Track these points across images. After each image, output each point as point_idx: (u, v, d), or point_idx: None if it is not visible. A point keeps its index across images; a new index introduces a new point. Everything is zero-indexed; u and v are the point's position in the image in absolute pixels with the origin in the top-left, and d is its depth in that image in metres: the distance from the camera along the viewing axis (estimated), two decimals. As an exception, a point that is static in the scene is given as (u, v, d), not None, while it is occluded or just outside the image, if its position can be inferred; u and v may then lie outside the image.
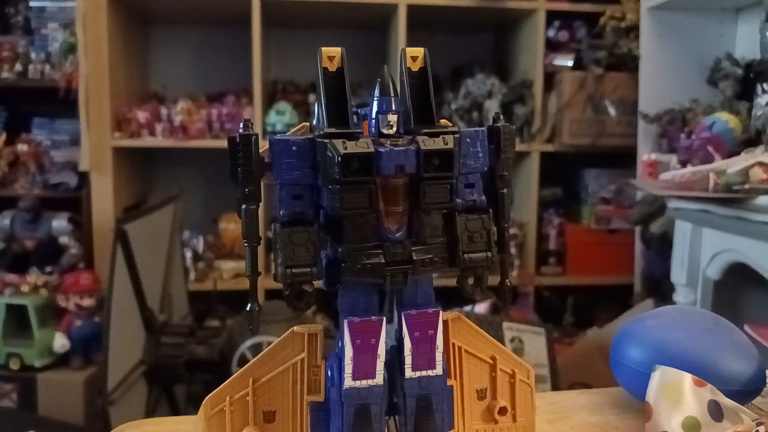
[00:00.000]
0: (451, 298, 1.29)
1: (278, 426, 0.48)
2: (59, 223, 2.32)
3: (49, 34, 2.51)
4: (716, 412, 0.52)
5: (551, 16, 2.53)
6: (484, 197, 0.46)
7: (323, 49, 0.44)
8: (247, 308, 0.44)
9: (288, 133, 0.45)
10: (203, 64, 2.83)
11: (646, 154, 2.12)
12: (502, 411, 0.51)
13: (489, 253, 0.45)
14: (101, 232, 2.34)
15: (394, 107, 0.44)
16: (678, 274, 1.81)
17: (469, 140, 0.45)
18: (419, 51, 0.46)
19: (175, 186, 2.63)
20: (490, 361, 0.50)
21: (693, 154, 1.82)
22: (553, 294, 2.67)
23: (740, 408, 0.53)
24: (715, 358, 0.58)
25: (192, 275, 2.50)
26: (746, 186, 1.45)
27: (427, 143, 0.42)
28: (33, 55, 2.49)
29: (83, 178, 2.41)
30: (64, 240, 2.33)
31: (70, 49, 2.42)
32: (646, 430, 0.54)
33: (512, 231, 2.48)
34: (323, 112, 0.43)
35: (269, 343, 0.50)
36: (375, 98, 0.44)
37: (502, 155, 0.46)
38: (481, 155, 0.46)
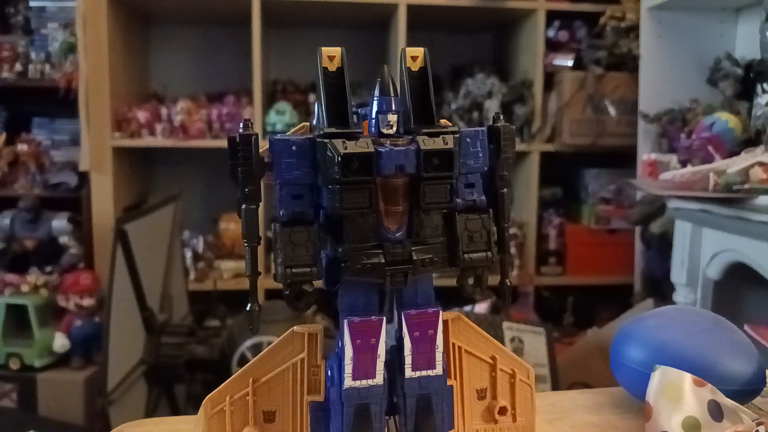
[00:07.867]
0: (451, 298, 1.29)
1: (278, 426, 0.48)
2: (59, 223, 2.32)
3: (49, 34, 2.51)
4: (716, 412, 0.52)
5: (551, 16, 2.53)
6: (484, 197, 0.46)
7: (323, 49, 0.44)
8: (247, 308, 0.44)
9: (288, 133, 0.45)
10: (203, 64, 2.83)
11: (646, 154, 2.12)
12: (502, 411, 0.50)
13: (489, 253, 0.45)
14: (101, 232, 2.33)
15: (394, 107, 0.43)
16: (678, 274, 1.80)
17: (469, 140, 0.45)
18: (419, 51, 0.46)
19: (175, 186, 2.63)
20: (490, 361, 0.50)
21: (693, 154, 1.82)
22: (553, 294, 2.68)
23: (740, 408, 0.52)
24: (715, 358, 0.58)
25: (192, 275, 2.50)
26: (746, 186, 1.45)
27: (427, 143, 0.42)
28: (33, 55, 2.49)
29: (83, 178, 2.41)
30: (64, 240, 2.33)
31: (70, 49, 2.42)
32: (646, 430, 0.54)
33: (512, 231, 2.48)
34: (323, 112, 0.43)
35: (269, 343, 0.49)
36: (375, 98, 0.44)
37: (502, 155, 0.46)
38: (481, 155, 0.46)
